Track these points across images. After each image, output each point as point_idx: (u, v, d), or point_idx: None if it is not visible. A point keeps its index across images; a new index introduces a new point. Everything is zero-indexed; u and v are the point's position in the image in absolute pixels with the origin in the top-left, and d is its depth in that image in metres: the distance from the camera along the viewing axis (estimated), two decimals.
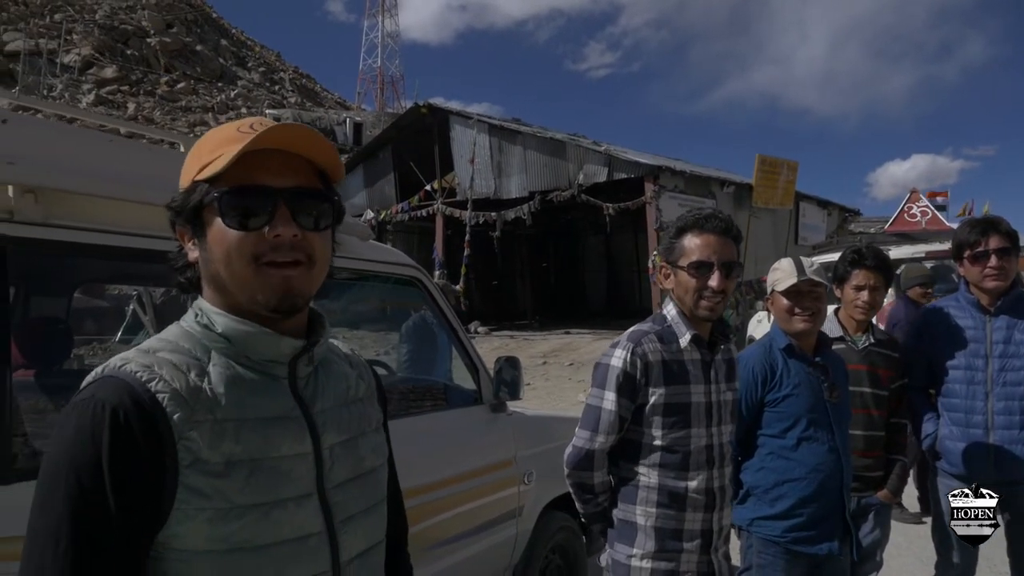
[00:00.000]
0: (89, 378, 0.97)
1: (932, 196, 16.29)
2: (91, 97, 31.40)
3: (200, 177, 1.02)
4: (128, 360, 0.96)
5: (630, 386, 2.02)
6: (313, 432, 1.06)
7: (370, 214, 23.75)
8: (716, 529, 2.08)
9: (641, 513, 2.05)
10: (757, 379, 2.49)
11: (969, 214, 16.51)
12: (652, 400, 2.01)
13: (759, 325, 10.82)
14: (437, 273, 20.60)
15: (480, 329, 20.85)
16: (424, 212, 23.35)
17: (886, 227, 16.17)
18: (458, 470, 2.99)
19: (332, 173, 1.09)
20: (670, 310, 2.10)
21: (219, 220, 1.00)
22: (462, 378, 3.39)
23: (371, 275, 2.96)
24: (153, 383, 0.94)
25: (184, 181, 1.05)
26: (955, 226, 3.93)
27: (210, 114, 34.99)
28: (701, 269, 1.98)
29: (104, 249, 1.97)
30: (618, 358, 2.04)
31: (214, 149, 1.02)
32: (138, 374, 0.94)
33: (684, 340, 2.04)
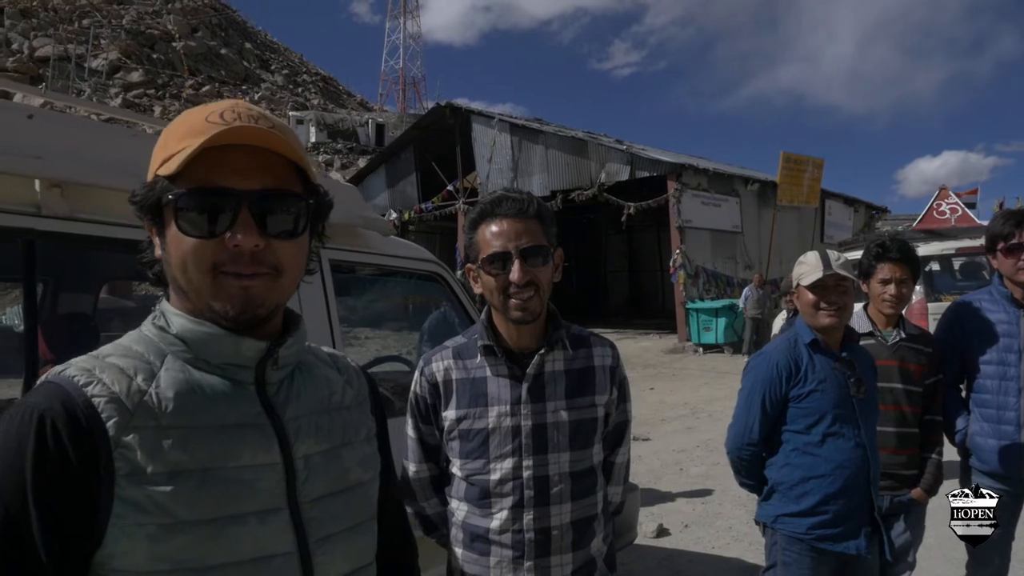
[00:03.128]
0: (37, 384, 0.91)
1: (960, 197, 15.99)
2: (118, 101, 31.90)
3: (161, 172, 0.93)
4: (70, 364, 0.90)
5: (423, 410, 1.80)
6: (283, 441, 0.97)
7: (393, 214, 23.89)
8: None
9: (453, 554, 1.81)
10: (781, 374, 2.45)
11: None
12: (446, 425, 1.76)
13: (784, 323, 10.70)
14: (459, 272, 20.65)
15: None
16: (446, 212, 23.44)
17: (915, 225, 15.90)
18: None
19: (309, 171, 1.00)
20: (481, 318, 1.81)
21: (175, 223, 0.92)
22: None
23: (393, 271, 2.96)
24: (90, 387, 0.86)
25: (149, 171, 0.97)
26: (985, 223, 3.85)
27: None
28: (497, 262, 1.66)
29: (130, 244, 1.98)
30: (414, 380, 1.83)
31: (180, 140, 0.93)
32: (76, 378, 0.87)
33: (478, 353, 1.75)
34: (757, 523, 2.63)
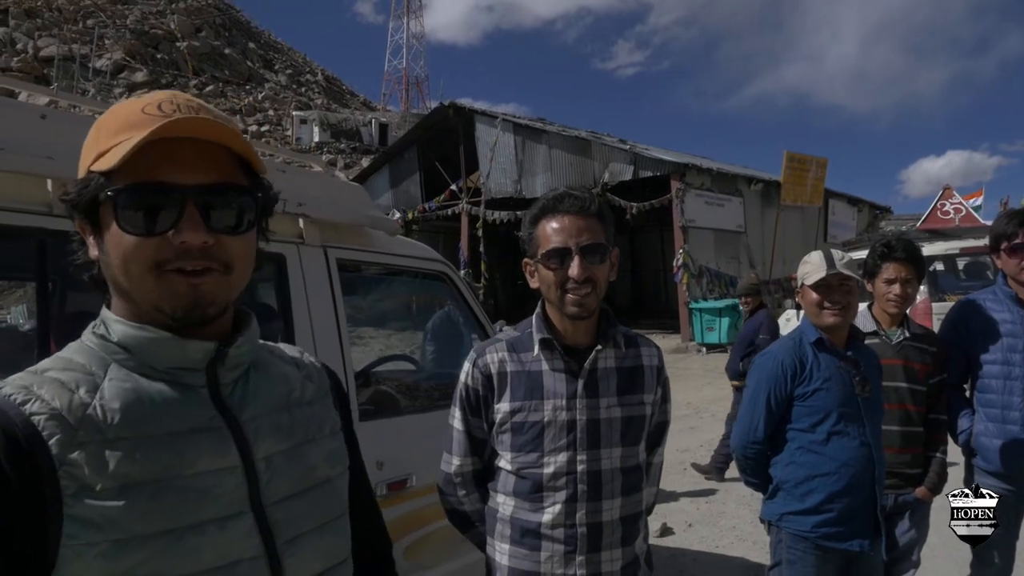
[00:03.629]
0: None
1: (967, 200, 15.95)
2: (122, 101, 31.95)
3: (97, 167, 0.88)
4: (6, 383, 0.85)
5: (474, 402, 1.80)
6: (241, 442, 0.93)
7: (396, 214, 23.92)
8: (590, 574, 1.72)
9: (498, 550, 1.80)
10: (786, 373, 2.46)
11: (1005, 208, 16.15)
12: (498, 418, 1.76)
13: (788, 324, 10.70)
14: (462, 272, 20.68)
15: (506, 328, 20.86)
16: (449, 211, 23.46)
17: (918, 224, 15.86)
18: None
19: (255, 164, 0.95)
20: (536, 312, 1.82)
21: (115, 221, 0.87)
22: None
23: (400, 270, 2.97)
24: (28, 404, 0.81)
25: (81, 167, 0.92)
26: (989, 223, 3.86)
27: (238, 116, 35.46)
28: (557, 258, 1.68)
29: None
30: (464, 372, 1.83)
31: (115, 133, 0.87)
32: (12, 397, 0.82)
33: (535, 346, 1.76)
34: (762, 521, 2.64)
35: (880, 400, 2.57)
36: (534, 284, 1.79)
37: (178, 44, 39.84)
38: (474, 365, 1.80)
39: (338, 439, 1.10)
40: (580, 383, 1.72)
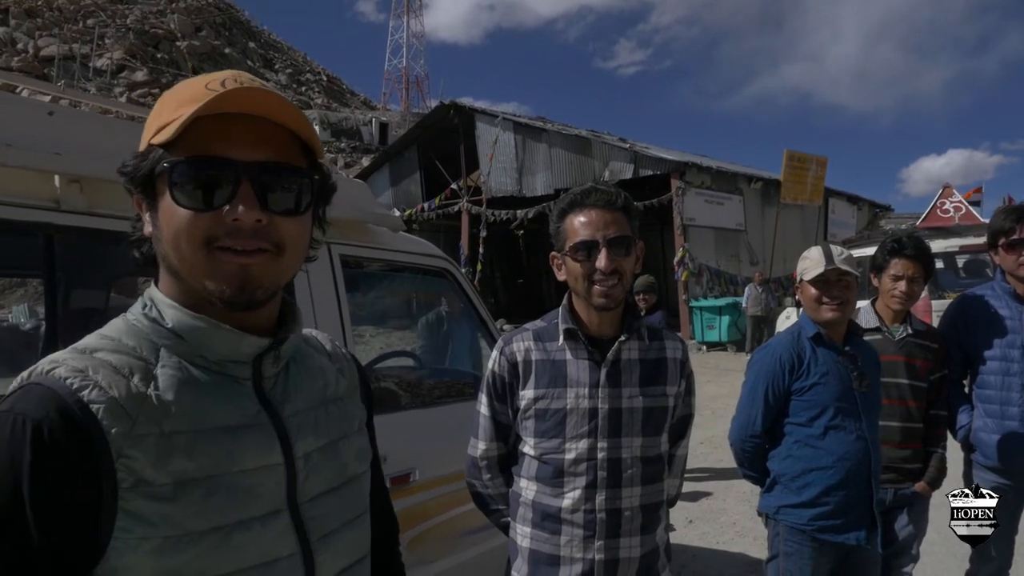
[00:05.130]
0: (14, 384, 0.82)
1: (966, 197, 15.97)
2: (123, 100, 31.97)
3: (156, 140, 0.86)
4: (58, 363, 0.81)
5: (500, 389, 1.85)
6: (284, 440, 0.92)
7: (396, 212, 23.93)
8: (608, 560, 1.74)
9: (520, 533, 1.84)
10: (784, 367, 2.48)
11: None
12: (523, 404, 1.81)
13: (787, 322, 10.72)
14: (464, 270, 20.74)
15: (507, 327, 20.91)
16: (450, 210, 23.47)
17: (918, 223, 15.88)
18: None
19: (315, 145, 0.93)
20: (563, 303, 1.87)
21: (169, 194, 0.85)
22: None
23: (403, 266, 2.99)
24: (86, 391, 0.78)
25: (142, 141, 0.90)
26: (988, 221, 3.87)
27: None
28: (584, 250, 1.72)
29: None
30: (492, 359, 1.88)
31: (177, 107, 0.85)
32: (68, 380, 0.79)
33: (560, 336, 1.80)
34: (759, 514, 2.66)
35: (878, 395, 2.58)
36: (561, 276, 1.83)
37: (178, 43, 39.83)
38: (501, 353, 1.85)
39: (364, 436, 1.10)
40: (603, 372, 1.76)
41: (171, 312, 0.88)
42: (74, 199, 1.81)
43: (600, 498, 1.74)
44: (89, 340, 0.86)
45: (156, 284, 0.92)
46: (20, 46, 33.70)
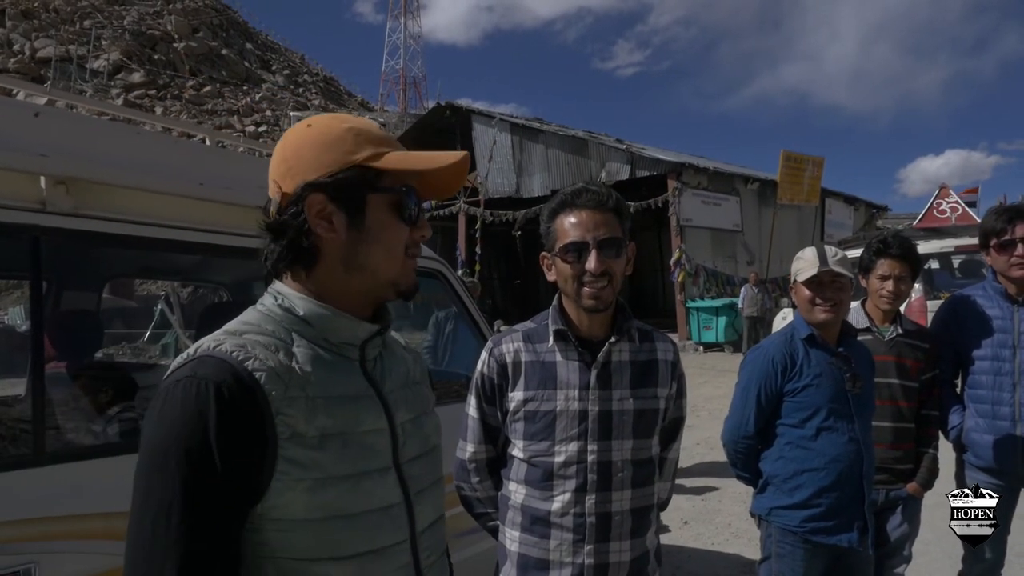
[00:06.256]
0: (179, 360, 0.99)
1: (962, 196, 15.98)
2: (119, 101, 31.90)
3: (369, 163, 1.07)
4: (220, 341, 0.99)
5: (489, 391, 1.83)
6: (387, 410, 1.11)
7: None
8: (598, 564, 1.72)
9: (509, 537, 1.82)
10: (777, 368, 2.47)
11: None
12: (512, 406, 1.79)
13: (783, 322, 10.71)
14: (460, 272, 20.72)
15: (503, 328, 20.91)
16: (446, 211, 23.47)
17: (915, 223, 15.90)
18: None
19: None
20: (553, 304, 1.85)
21: (393, 211, 1.09)
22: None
23: None
24: (250, 362, 0.97)
25: (330, 162, 1.06)
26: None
27: (235, 117, 35.43)
28: (574, 251, 1.71)
29: (133, 240, 2.01)
30: (481, 361, 1.86)
31: (364, 144, 1.08)
32: (234, 354, 0.97)
33: (550, 337, 1.79)
34: (752, 515, 2.66)
35: (871, 396, 2.58)
36: (551, 277, 1.81)
37: (175, 45, 39.77)
38: (490, 354, 1.83)
39: (437, 416, 1.29)
40: (593, 374, 1.74)
41: (301, 302, 1.07)
42: (60, 200, 1.80)
43: (590, 501, 1.72)
44: (234, 325, 1.04)
45: (280, 280, 1.10)
46: (16, 47, 33.64)
